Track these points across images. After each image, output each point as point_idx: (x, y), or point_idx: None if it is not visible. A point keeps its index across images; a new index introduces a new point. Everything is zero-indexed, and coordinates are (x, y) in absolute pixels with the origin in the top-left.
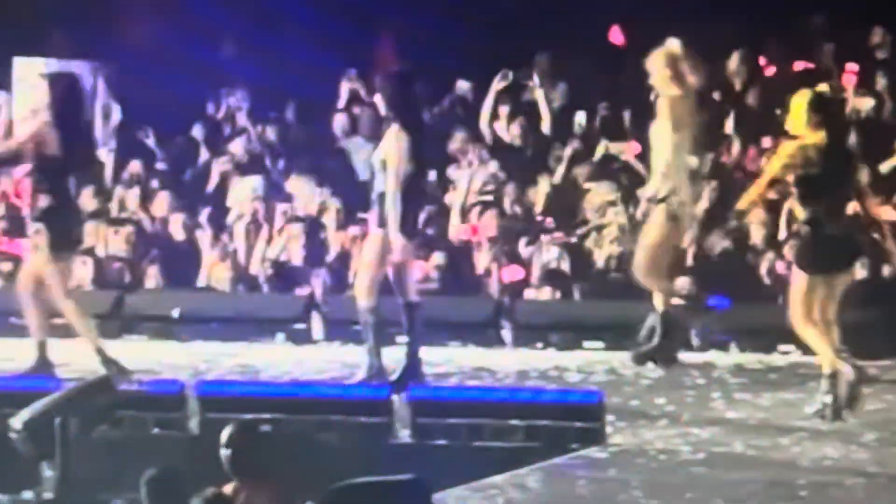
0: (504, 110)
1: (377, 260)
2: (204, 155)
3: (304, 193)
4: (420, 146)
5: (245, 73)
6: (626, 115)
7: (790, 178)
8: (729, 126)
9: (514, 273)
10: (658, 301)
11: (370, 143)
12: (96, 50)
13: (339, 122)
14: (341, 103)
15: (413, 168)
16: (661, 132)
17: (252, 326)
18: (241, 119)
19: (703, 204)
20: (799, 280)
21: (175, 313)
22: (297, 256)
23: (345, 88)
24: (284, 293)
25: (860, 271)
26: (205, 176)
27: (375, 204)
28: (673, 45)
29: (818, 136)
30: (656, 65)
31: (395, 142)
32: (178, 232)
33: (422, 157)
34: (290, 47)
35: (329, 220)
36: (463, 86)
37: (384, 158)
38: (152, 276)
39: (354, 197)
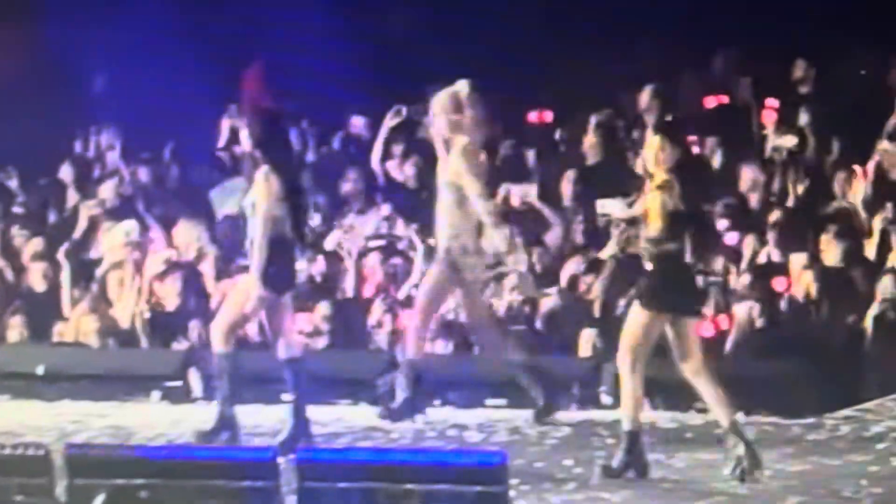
0: (397, 149)
1: (238, 305)
2: (72, 198)
3: (184, 239)
4: (294, 188)
5: (117, 109)
6: (530, 155)
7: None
8: (639, 165)
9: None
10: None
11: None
12: None
13: (220, 161)
14: (222, 142)
15: (286, 212)
16: (459, 178)
17: (124, 384)
18: (113, 159)
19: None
20: (637, 318)
21: (39, 370)
22: (172, 307)
23: (225, 126)
24: (160, 347)
25: (757, 320)
26: (72, 221)
27: (248, 250)
28: (461, 86)
29: (671, 174)
30: (442, 107)
31: (264, 184)
32: (39, 281)
33: (297, 200)
34: (167, 81)
35: (207, 267)
36: (357, 122)
37: (253, 201)
38: (14, 329)
39: (235, 243)
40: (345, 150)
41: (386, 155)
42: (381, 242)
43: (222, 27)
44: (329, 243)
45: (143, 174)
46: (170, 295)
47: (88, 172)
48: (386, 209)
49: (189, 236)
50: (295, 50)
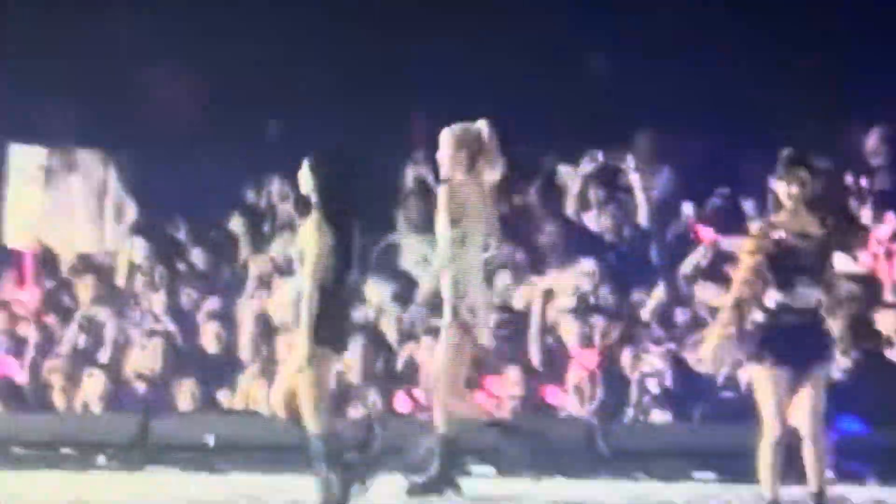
0: (595, 197)
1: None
2: (243, 251)
3: (370, 297)
4: (352, 242)
5: (292, 157)
6: (748, 205)
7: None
8: (866, 214)
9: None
10: (442, 422)
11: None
12: (107, 135)
13: (404, 212)
14: (405, 191)
15: (338, 264)
16: (440, 227)
17: (301, 455)
18: (287, 210)
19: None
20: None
21: (210, 440)
22: (353, 372)
23: (410, 175)
24: (337, 415)
25: None
26: (243, 276)
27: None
28: (480, 127)
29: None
30: (449, 142)
31: (315, 232)
32: (211, 343)
33: (351, 254)
34: (346, 128)
35: (389, 327)
36: (555, 167)
37: (301, 250)
38: (183, 396)
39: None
40: (542, 200)
41: (583, 205)
42: (574, 302)
43: (409, 73)
44: (519, 301)
45: None
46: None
47: (260, 224)
48: (587, 265)
49: (374, 293)
50: (490, 93)
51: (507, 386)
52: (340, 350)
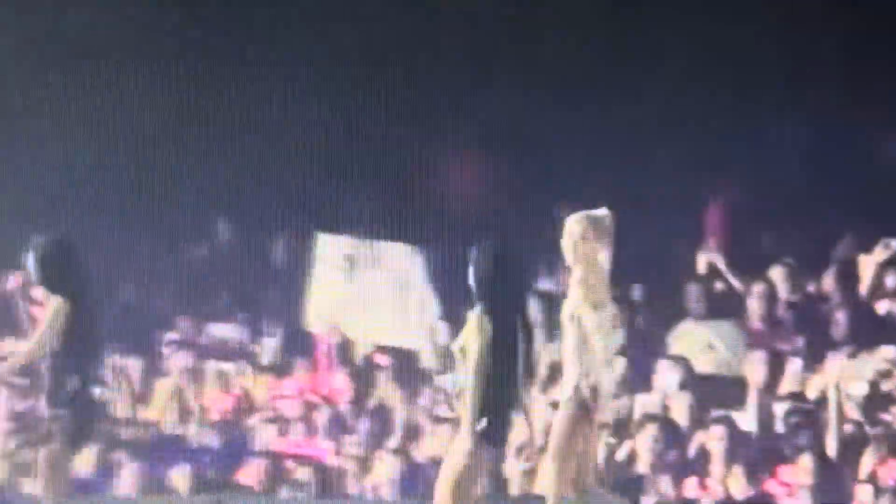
0: (892, 284)
1: (456, 463)
2: (537, 339)
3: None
4: (515, 339)
5: None
6: None
7: None
8: None
9: None
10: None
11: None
12: (410, 229)
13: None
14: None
15: (499, 359)
16: (581, 312)
17: None
18: None
19: None
20: None
21: None
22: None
23: (702, 261)
24: None
25: None
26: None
27: (456, 403)
28: (601, 214)
29: None
30: (569, 232)
31: (476, 327)
32: None
33: (517, 349)
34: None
35: (679, 414)
36: (850, 255)
37: (463, 346)
38: None
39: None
40: (835, 288)
41: (877, 293)
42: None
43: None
44: (812, 391)
45: None
46: (643, 447)
47: (555, 312)
48: (887, 351)
49: (661, 379)
50: (787, 181)
51: (800, 475)
52: (498, 445)
